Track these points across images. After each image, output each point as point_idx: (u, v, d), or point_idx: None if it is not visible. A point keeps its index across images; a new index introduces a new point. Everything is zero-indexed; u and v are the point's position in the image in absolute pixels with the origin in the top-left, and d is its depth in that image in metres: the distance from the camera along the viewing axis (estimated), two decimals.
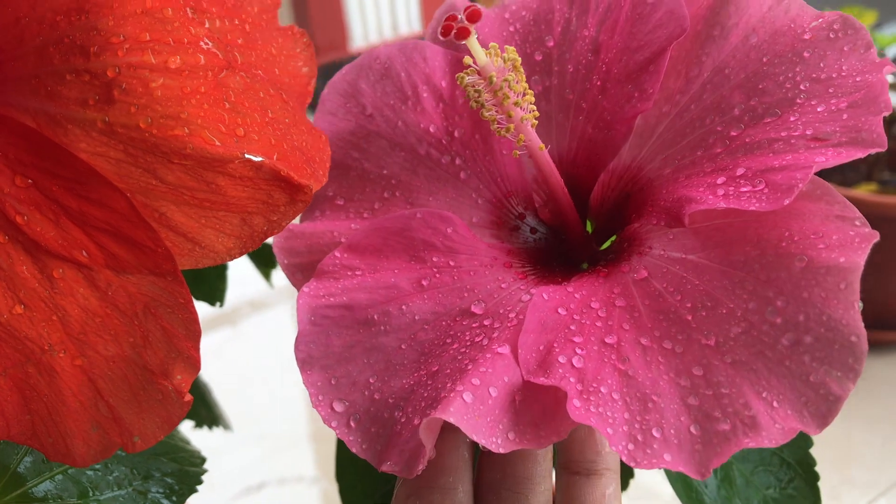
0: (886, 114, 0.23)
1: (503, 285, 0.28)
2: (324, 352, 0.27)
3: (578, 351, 0.24)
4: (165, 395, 0.24)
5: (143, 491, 0.30)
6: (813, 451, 0.31)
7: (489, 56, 0.27)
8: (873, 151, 0.23)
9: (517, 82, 0.27)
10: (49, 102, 0.22)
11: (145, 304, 0.23)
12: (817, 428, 0.21)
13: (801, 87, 0.25)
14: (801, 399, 0.21)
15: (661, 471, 0.29)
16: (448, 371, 0.25)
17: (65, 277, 0.23)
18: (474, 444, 0.27)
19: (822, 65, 0.25)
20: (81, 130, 0.21)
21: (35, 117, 0.22)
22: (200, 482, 0.32)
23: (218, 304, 0.41)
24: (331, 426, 0.26)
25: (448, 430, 0.25)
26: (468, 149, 0.31)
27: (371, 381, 0.26)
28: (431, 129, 0.31)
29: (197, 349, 0.23)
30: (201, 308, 0.33)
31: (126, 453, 0.26)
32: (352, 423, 0.26)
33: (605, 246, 0.31)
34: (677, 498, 0.30)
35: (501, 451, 0.22)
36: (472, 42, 0.26)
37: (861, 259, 0.21)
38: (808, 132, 0.24)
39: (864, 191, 0.95)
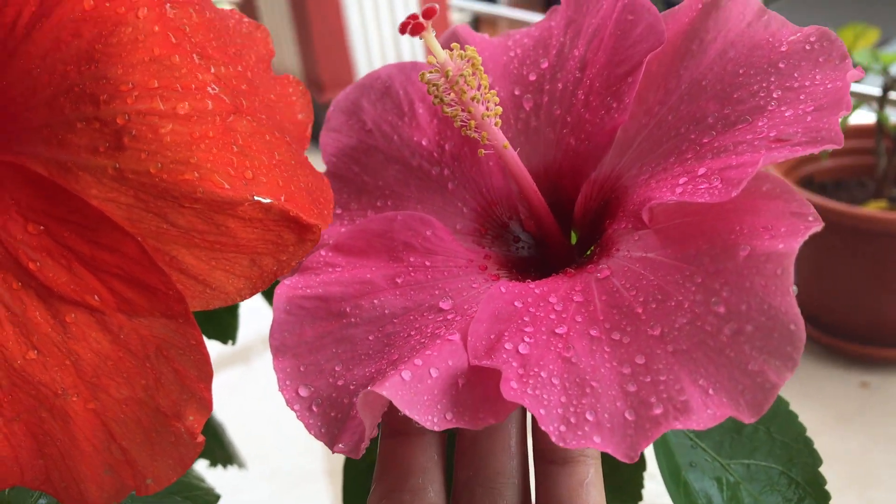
0: (845, 113, 0.24)
1: (474, 285, 0.29)
2: (297, 340, 0.28)
3: (527, 339, 0.24)
4: (178, 436, 0.24)
5: None
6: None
7: (448, 54, 0.28)
8: (829, 148, 0.23)
9: (473, 76, 0.28)
10: (60, 150, 0.22)
11: (157, 347, 0.23)
12: (752, 416, 0.21)
13: (774, 95, 0.26)
14: (738, 387, 0.21)
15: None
16: (405, 358, 0.26)
17: (77, 322, 0.23)
18: (444, 445, 0.28)
19: (796, 74, 0.26)
20: (92, 177, 0.22)
21: (46, 165, 0.22)
22: None
23: (230, 341, 0.41)
24: (293, 409, 0.27)
25: (417, 433, 0.27)
26: (457, 161, 0.32)
27: (337, 368, 0.27)
28: (424, 143, 0.33)
29: (209, 390, 0.23)
30: (214, 346, 0.33)
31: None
32: (314, 408, 0.27)
33: (586, 255, 0.31)
34: None
35: (436, 429, 0.23)
36: (430, 38, 0.27)
37: (797, 244, 0.22)
38: (771, 134, 0.24)
39: (874, 208, 0.95)
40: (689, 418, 0.21)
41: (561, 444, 0.22)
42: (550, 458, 0.27)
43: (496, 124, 0.29)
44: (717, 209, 0.24)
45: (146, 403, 0.24)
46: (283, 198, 0.23)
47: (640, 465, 0.31)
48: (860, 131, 1.05)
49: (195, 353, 0.23)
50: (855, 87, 1.04)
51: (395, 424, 0.27)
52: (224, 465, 0.46)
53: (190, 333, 0.23)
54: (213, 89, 0.22)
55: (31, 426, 0.23)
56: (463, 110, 0.28)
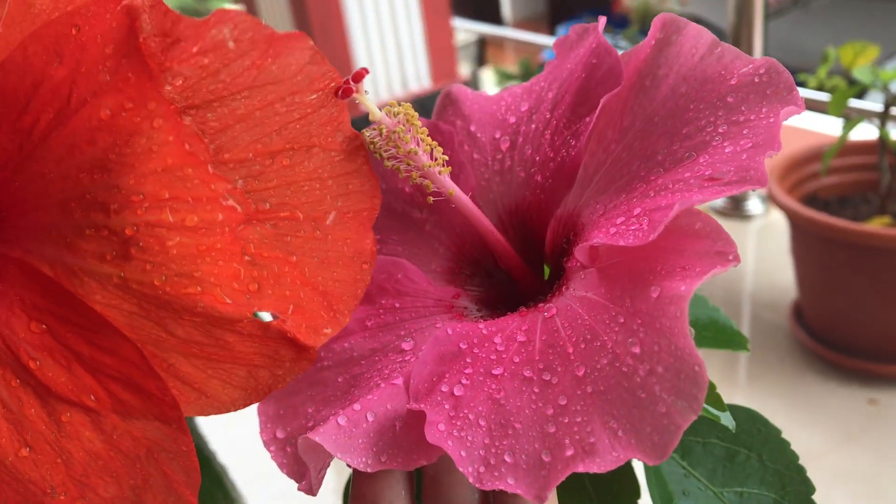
0: (774, 153, 0.24)
1: (437, 325, 0.30)
2: None
3: (463, 381, 0.25)
4: None
5: None
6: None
7: (387, 110, 0.29)
8: (755, 189, 0.23)
9: (408, 132, 0.28)
10: (68, 254, 0.22)
11: (148, 449, 0.23)
12: (657, 458, 0.21)
13: (720, 129, 0.26)
14: (646, 429, 0.21)
15: None
16: (353, 402, 0.27)
17: (72, 421, 0.23)
18: (412, 480, 0.28)
19: (742, 108, 0.26)
20: (97, 283, 0.22)
21: (53, 266, 0.23)
22: None
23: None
24: (269, 450, 0.28)
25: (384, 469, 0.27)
26: (434, 203, 0.33)
27: (309, 410, 0.28)
28: (406, 189, 0.34)
29: (195, 496, 0.24)
30: None
31: None
32: (287, 449, 0.27)
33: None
34: None
35: (369, 470, 0.24)
36: (364, 99, 0.28)
37: (694, 285, 0.22)
38: (707, 172, 0.25)
39: (878, 224, 0.95)
40: (594, 461, 0.21)
41: (477, 486, 0.22)
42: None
43: (441, 173, 0.29)
44: (647, 248, 0.24)
45: (132, 503, 0.24)
46: (289, 309, 0.23)
47: (635, 493, 0.31)
48: (863, 148, 1.05)
49: (185, 460, 0.23)
50: (857, 104, 1.05)
51: None
52: None
53: (182, 440, 0.23)
54: (226, 199, 0.23)
55: None
56: (402, 163, 0.29)
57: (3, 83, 0.21)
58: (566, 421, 0.22)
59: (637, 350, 0.22)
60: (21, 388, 0.23)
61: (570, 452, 0.22)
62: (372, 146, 0.28)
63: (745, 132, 0.25)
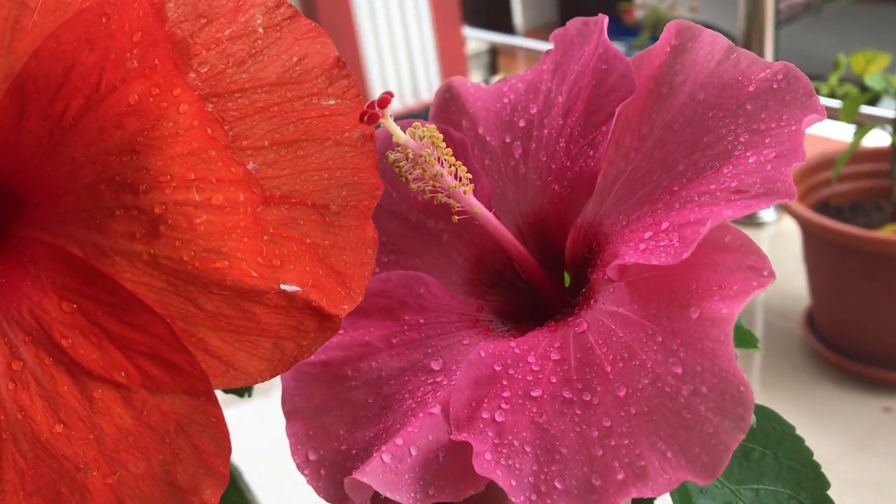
0: (799, 164, 0.24)
1: (465, 342, 0.30)
2: (306, 405, 0.29)
3: (503, 406, 0.25)
4: None
5: None
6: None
7: (410, 132, 0.29)
8: (784, 201, 0.23)
9: (433, 156, 0.29)
10: (98, 235, 0.23)
11: (177, 423, 0.24)
12: (708, 478, 0.21)
13: (741, 139, 0.26)
14: (695, 450, 0.21)
15: None
16: (397, 427, 0.27)
17: (103, 398, 0.24)
18: None
19: (763, 115, 0.26)
20: (127, 262, 0.23)
21: (83, 247, 0.23)
22: None
23: (247, 394, 0.42)
24: (303, 473, 0.28)
25: None
26: (450, 213, 0.33)
27: (341, 432, 0.28)
28: (420, 198, 0.33)
29: (226, 465, 0.24)
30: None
31: None
32: (322, 472, 0.28)
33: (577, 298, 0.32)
34: None
35: None
36: (389, 123, 0.28)
37: (737, 310, 0.22)
38: (733, 184, 0.25)
39: (890, 231, 0.95)
40: (646, 484, 0.21)
41: None
42: None
43: (465, 192, 0.29)
44: (678, 265, 0.24)
45: (161, 478, 0.24)
46: (309, 283, 0.24)
47: None
48: (876, 154, 1.06)
49: (215, 430, 0.24)
50: (869, 110, 1.05)
51: None
52: None
53: (211, 411, 0.24)
54: (247, 181, 0.24)
55: (49, 501, 0.24)
56: (427, 184, 0.29)
57: (36, 70, 0.22)
58: (613, 444, 0.22)
59: (679, 370, 0.22)
60: (54, 366, 0.24)
61: (621, 476, 0.22)
62: (397, 169, 0.29)
63: (767, 141, 0.25)
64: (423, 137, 0.28)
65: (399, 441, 0.25)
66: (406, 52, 2.13)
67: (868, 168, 1.06)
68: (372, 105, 0.27)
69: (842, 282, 0.95)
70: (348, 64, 0.26)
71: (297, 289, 0.24)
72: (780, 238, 1.29)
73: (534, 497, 0.22)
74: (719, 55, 0.28)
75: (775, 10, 1.20)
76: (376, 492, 0.25)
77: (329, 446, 0.28)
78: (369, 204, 0.27)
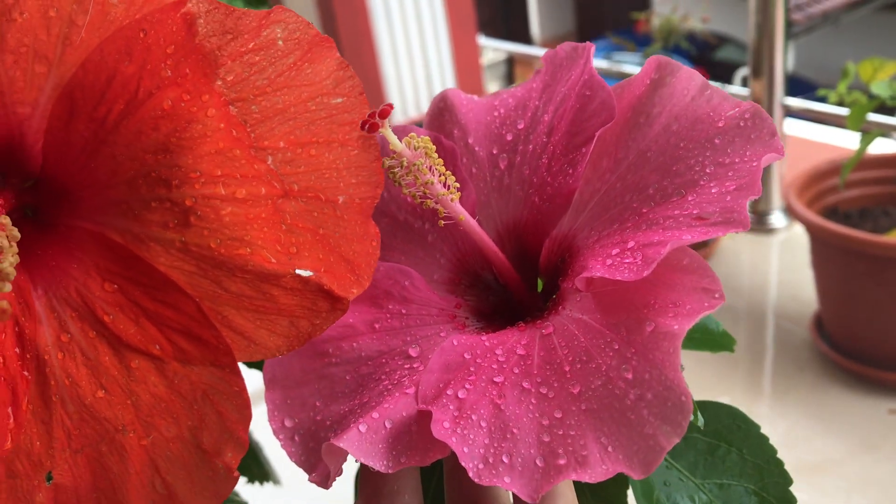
0: (754, 197, 0.26)
1: (441, 334, 0.32)
2: (285, 374, 0.31)
3: (467, 386, 0.27)
4: (216, 472, 0.27)
5: None
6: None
7: (406, 141, 0.31)
8: (738, 231, 0.25)
9: (426, 165, 0.31)
10: (135, 224, 0.26)
11: (204, 391, 0.27)
12: (641, 474, 0.23)
13: (707, 170, 0.28)
14: (634, 447, 0.24)
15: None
16: (373, 404, 0.29)
17: (140, 367, 0.27)
18: (419, 479, 0.31)
19: (728, 150, 0.28)
20: (162, 248, 0.26)
21: (123, 235, 0.26)
22: None
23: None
24: (278, 438, 0.30)
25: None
26: (436, 215, 0.35)
27: (317, 404, 0.31)
28: (409, 200, 0.36)
29: (246, 431, 0.27)
30: (253, 379, 0.37)
31: None
32: (296, 438, 0.30)
33: (547, 304, 0.34)
34: None
35: (389, 471, 0.26)
36: (387, 132, 0.30)
37: (688, 326, 0.24)
38: (695, 211, 0.27)
39: None
40: (586, 471, 0.24)
41: (476, 480, 0.25)
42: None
43: (452, 200, 0.32)
44: (639, 281, 0.26)
45: (189, 441, 0.27)
46: (322, 269, 0.27)
47: (624, 484, 0.33)
48: (883, 161, 1.07)
49: (238, 399, 0.27)
50: (876, 118, 1.06)
51: None
52: (261, 482, 0.50)
53: (234, 381, 0.27)
54: (267, 177, 0.27)
55: (91, 459, 0.27)
56: (418, 190, 0.31)
57: (83, 79, 0.25)
58: (560, 433, 0.25)
59: (629, 376, 0.25)
60: (97, 338, 0.27)
61: (562, 461, 0.24)
62: (392, 174, 0.31)
63: (730, 174, 0.27)
64: (418, 147, 0.31)
65: (375, 415, 0.28)
66: (423, 61, 2.16)
67: (876, 174, 1.08)
68: (373, 115, 0.29)
69: (849, 286, 0.96)
70: (367, 74, 0.29)
71: (311, 273, 0.27)
72: (789, 244, 1.30)
73: (481, 466, 0.25)
74: (694, 91, 0.30)
75: (786, 20, 1.21)
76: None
77: (304, 415, 0.31)
78: (371, 202, 0.29)
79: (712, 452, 0.34)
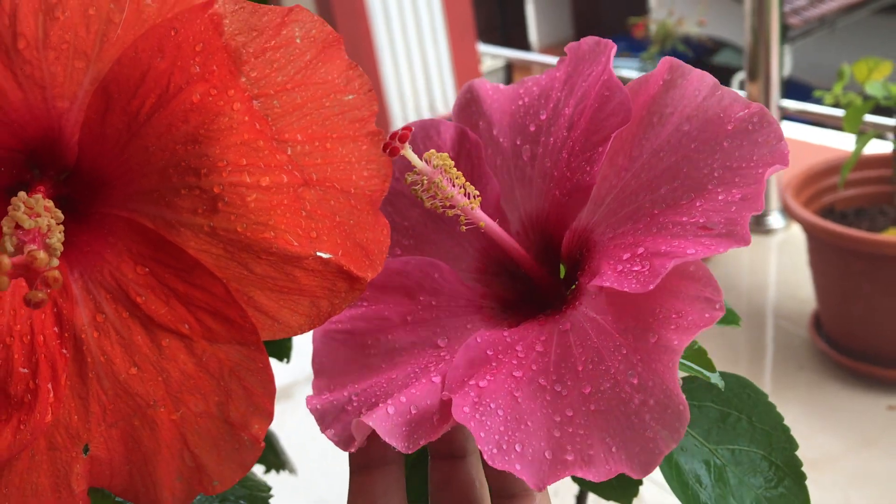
0: (756, 212, 0.27)
1: (468, 325, 0.35)
2: (331, 365, 0.35)
3: (488, 377, 0.29)
4: (242, 444, 0.29)
5: None
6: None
7: (427, 156, 0.33)
8: (739, 246, 0.26)
9: (446, 181, 0.33)
10: (167, 210, 0.28)
11: (231, 368, 0.29)
12: (641, 474, 0.25)
13: (715, 174, 0.29)
14: (636, 449, 0.26)
15: (663, 483, 0.33)
16: (399, 383, 0.32)
17: (170, 346, 0.28)
18: (403, 475, 0.34)
19: (737, 154, 0.29)
20: (191, 232, 0.28)
21: (154, 221, 0.28)
22: None
23: (285, 360, 0.47)
24: (308, 406, 0.33)
25: (378, 467, 0.33)
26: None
27: (356, 387, 0.33)
28: None
29: (272, 403, 0.29)
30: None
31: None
32: (331, 416, 0.33)
33: (568, 293, 0.36)
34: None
35: (408, 451, 0.28)
36: (408, 153, 0.32)
37: (687, 342, 0.26)
38: (701, 220, 0.28)
39: (893, 234, 0.98)
40: (590, 469, 0.26)
41: (490, 464, 0.26)
42: (500, 494, 0.32)
43: (473, 208, 0.34)
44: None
45: (216, 416, 0.29)
46: (340, 253, 0.29)
47: None
48: (879, 161, 1.08)
49: (262, 375, 0.29)
50: (873, 119, 1.08)
51: (360, 461, 0.33)
52: (277, 471, 0.52)
53: (259, 358, 0.29)
54: (288, 167, 0.28)
55: (125, 433, 0.29)
56: (439, 202, 0.33)
57: (118, 74, 0.27)
58: (570, 430, 0.27)
59: (635, 381, 0.27)
60: (130, 318, 0.28)
61: (570, 458, 0.26)
62: (414, 191, 0.33)
63: (736, 180, 0.28)
64: (437, 166, 0.33)
65: (403, 399, 0.30)
66: (422, 68, 2.18)
67: (873, 174, 1.09)
68: (394, 137, 0.31)
69: (846, 284, 0.98)
70: (361, 56, 0.31)
71: (330, 256, 0.28)
72: (787, 244, 1.32)
73: (495, 451, 0.27)
74: (705, 91, 0.31)
75: (781, 24, 1.23)
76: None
77: (341, 396, 0.33)
78: (380, 193, 0.31)
79: (724, 420, 0.36)
